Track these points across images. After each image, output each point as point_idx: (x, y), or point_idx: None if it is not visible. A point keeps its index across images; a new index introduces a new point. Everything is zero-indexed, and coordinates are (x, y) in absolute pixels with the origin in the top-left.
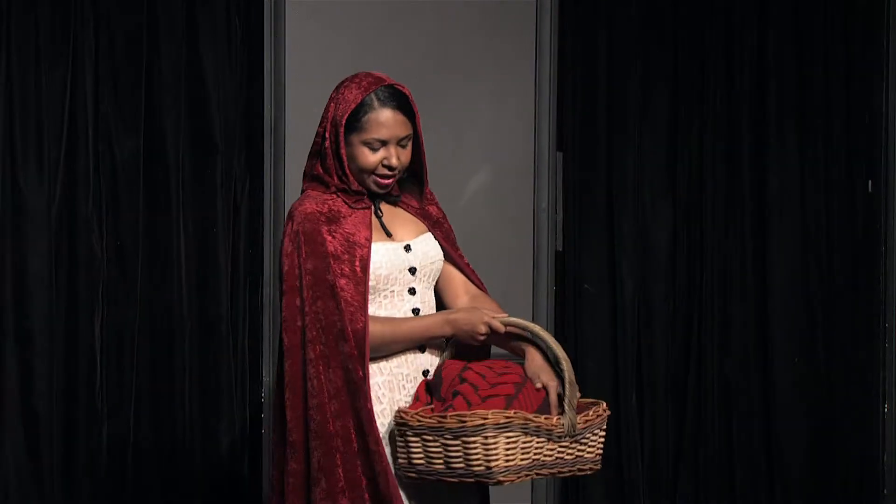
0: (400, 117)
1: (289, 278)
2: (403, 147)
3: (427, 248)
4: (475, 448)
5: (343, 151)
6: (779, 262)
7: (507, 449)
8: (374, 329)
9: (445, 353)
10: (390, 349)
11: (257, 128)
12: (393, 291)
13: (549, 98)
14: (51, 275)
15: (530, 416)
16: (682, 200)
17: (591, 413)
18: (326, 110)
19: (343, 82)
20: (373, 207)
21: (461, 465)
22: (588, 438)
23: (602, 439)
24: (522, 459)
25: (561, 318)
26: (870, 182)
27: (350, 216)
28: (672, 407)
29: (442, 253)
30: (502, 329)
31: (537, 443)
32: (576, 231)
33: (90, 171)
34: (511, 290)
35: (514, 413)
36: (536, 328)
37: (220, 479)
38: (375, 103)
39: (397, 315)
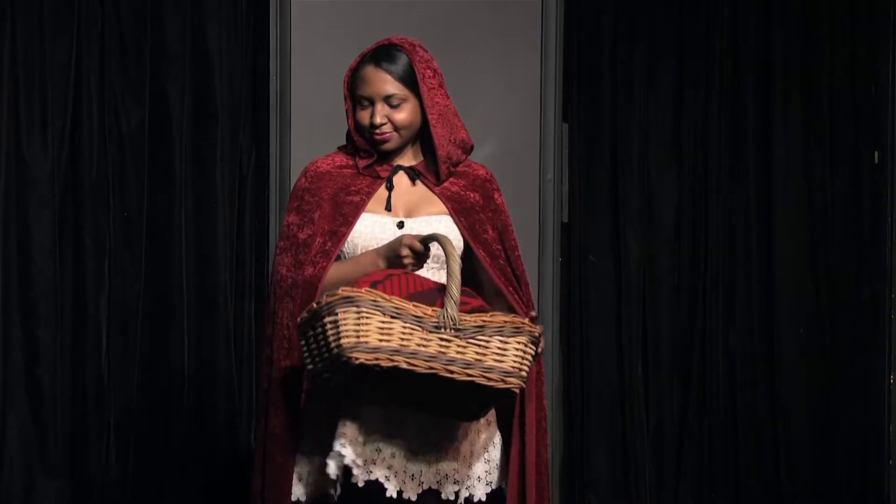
0: (382, 75)
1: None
2: (394, 107)
3: (426, 229)
4: (332, 328)
5: (348, 107)
6: (784, 232)
7: (358, 326)
8: (329, 273)
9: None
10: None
11: (263, 98)
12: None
13: (554, 69)
14: (55, 246)
15: (384, 295)
16: (687, 171)
17: (491, 317)
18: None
19: None
20: (384, 180)
21: (328, 348)
22: (491, 343)
23: (520, 354)
24: (381, 340)
25: (567, 289)
26: (876, 153)
27: (357, 180)
28: (677, 378)
29: (454, 238)
30: (419, 247)
31: (402, 327)
32: (581, 202)
33: (95, 142)
34: None
35: (366, 291)
36: (440, 236)
37: (221, 451)
38: (360, 67)
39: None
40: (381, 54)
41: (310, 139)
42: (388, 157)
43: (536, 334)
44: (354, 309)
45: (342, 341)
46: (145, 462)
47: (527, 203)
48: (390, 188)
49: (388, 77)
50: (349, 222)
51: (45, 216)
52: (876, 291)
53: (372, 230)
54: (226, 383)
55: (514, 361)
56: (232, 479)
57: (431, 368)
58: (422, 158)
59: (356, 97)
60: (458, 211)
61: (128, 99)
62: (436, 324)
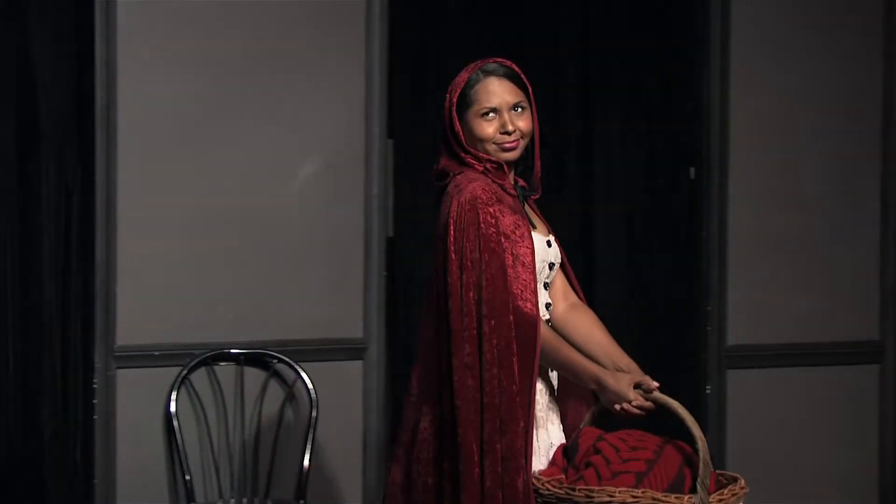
0: (507, 84)
1: (467, 254)
2: (519, 113)
3: (558, 248)
4: None
5: (458, 127)
6: (604, 249)
7: None
8: (544, 332)
9: (586, 419)
10: (544, 358)
11: (89, 116)
12: (538, 283)
13: (379, 85)
14: None
15: (659, 495)
16: None
17: (726, 492)
18: (441, 106)
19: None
20: (519, 198)
21: None
22: None
23: None
24: None
25: (392, 303)
26: (692, 169)
27: (508, 201)
28: None
29: (558, 255)
30: (650, 406)
31: None
32: (407, 218)
33: None
34: (343, 277)
35: (643, 492)
36: (676, 405)
37: (48, 465)
38: (481, 76)
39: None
40: (496, 67)
41: (136, 157)
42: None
43: (747, 491)
44: None
45: None
46: None
47: (352, 218)
48: (523, 207)
49: (513, 86)
50: (531, 246)
51: None
52: (693, 304)
53: (541, 249)
54: (51, 406)
55: None
56: None
57: None
58: (511, 177)
59: (476, 111)
60: (550, 229)
61: None
62: None
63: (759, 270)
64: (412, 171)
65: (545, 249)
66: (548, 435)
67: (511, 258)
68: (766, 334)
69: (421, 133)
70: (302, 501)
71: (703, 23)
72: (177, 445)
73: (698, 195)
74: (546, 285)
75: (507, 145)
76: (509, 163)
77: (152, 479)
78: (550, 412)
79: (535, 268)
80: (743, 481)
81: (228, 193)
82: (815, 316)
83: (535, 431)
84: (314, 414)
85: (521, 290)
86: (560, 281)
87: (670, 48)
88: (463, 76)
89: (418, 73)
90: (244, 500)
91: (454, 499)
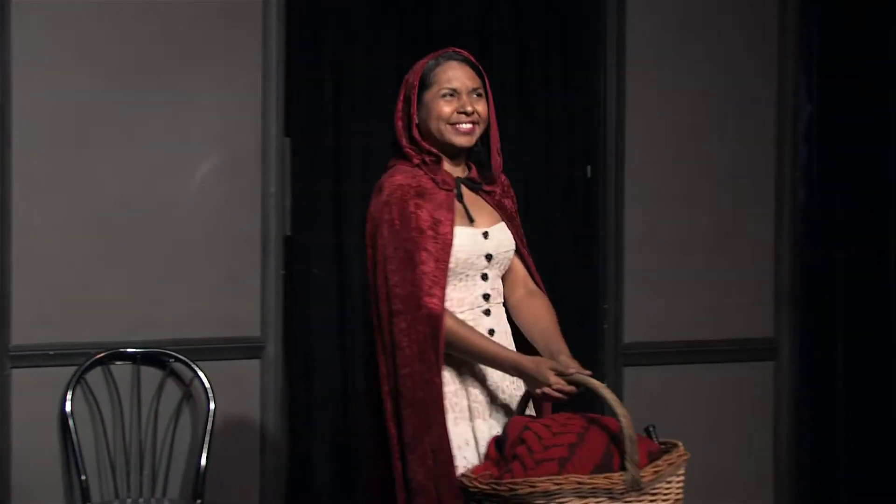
0: (467, 70)
1: (379, 250)
2: (477, 98)
3: (502, 237)
4: None
5: (414, 110)
6: None
7: None
8: (449, 324)
9: (516, 408)
10: (456, 350)
11: None
12: (467, 275)
13: (276, 83)
14: None
15: (584, 478)
16: None
17: (661, 462)
18: (399, 95)
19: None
20: (455, 191)
21: None
22: (660, 487)
23: (680, 484)
24: None
25: (290, 301)
26: (588, 168)
27: (435, 195)
28: None
29: (514, 244)
30: (571, 390)
31: (595, 503)
32: (304, 216)
33: None
34: (240, 275)
35: (566, 478)
36: (597, 384)
37: None
38: (442, 60)
39: (469, 298)
40: (455, 54)
41: (31, 156)
42: (453, 161)
43: (687, 458)
44: (557, 499)
45: None
46: None
47: (249, 217)
48: (461, 199)
49: (472, 72)
50: (449, 241)
51: None
52: (589, 301)
53: (468, 242)
54: None
55: (678, 494)
56: None
57: None
58: (468, 169)
59: (436, 92)
60: (505, 218)
61: None
62: (622, 490)
63: (655, 269)
64: (309, 170)
65: (478, 242)
66: (487, 427)
67: (424, 253)
68: (663, 332)
69: (318, 131)
70: (199, 501)
71: (598, 20)
72: (72, 445)
73: (595, 194)
74: (485, 276)
75: (463, 128)
76: (453, 154)
77: (47, 480)
78: (488, 402)
79: (447, 262)
80: (682, 447)
81: (124, 192)
82: (711, 314)
83: (471, 422)
84: (211, 413)
85: (430, 286)
86: (520, 268)
87: (566, 46)
88: (422, 63)
89: (315, 71)
90: (141, 500)
91: (390, 493)
